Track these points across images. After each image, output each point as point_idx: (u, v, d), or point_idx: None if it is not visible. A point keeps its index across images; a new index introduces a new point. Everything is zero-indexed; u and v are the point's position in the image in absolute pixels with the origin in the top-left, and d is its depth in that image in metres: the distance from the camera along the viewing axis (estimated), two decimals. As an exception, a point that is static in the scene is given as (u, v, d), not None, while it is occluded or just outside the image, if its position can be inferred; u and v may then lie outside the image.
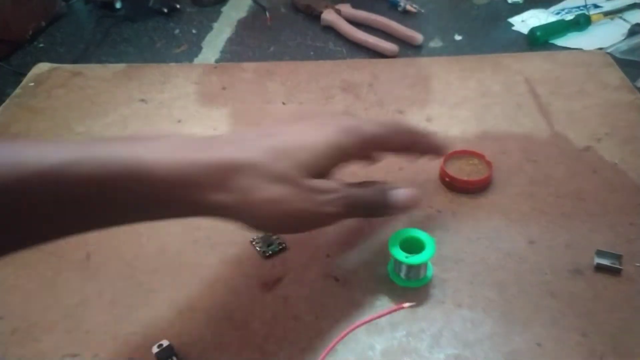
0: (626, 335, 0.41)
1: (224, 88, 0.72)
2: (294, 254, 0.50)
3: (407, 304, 0.44)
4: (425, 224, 0.51)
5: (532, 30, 0.80)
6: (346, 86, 0.71)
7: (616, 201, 0.53)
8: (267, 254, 0.50)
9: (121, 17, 0.91)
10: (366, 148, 0.43)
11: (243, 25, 0.89)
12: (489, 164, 0.56)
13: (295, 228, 0.40)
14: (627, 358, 0.40)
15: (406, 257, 0.44)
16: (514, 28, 0.84)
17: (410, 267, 0.45)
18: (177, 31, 0.88)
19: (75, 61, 0.81)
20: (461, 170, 0.55)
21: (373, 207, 0.42)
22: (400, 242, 0.45)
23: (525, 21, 0.85)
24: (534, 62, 0.74)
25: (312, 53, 0.81)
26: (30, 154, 0.29)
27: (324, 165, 0.39)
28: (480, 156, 0.57)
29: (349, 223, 0.52)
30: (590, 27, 0.82)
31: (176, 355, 0.42)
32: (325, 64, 0.76)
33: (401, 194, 0.42)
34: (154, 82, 0.74)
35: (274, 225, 0.39)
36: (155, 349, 0.41)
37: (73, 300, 0.47)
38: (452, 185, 0.54)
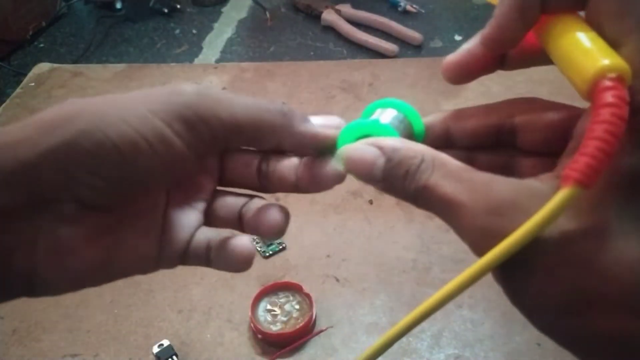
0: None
1: (224, 88, 0.72)
2: (294, 254, 0.50)
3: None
4: (425, 223, 0.51)
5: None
6: (346, 86, 0.71)
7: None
8: (267, 254, 0.50)
9: (122, 18, 0.91)
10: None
11: (243, 26, 0.89)
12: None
13: None
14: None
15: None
16: (514, 28, 0.84)
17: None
18: (177, 31, 0.88)
19: (75, 61, 0.81)
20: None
21: None
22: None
23: (526, 21, 0.85)
24: (534, 62, 0.74)
25: (312, 53, 0.81)
26: None
27: None
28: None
29: (349, 223, 0.53)
30: (590, 27, 0.82)
31: (176, 355, 0.42)
32: (326, 64, 0.76)
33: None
34: (155, 82, 0.74)
35: None
36: (155, 349, 0.42)
37: (73, 300, 0.47)
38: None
